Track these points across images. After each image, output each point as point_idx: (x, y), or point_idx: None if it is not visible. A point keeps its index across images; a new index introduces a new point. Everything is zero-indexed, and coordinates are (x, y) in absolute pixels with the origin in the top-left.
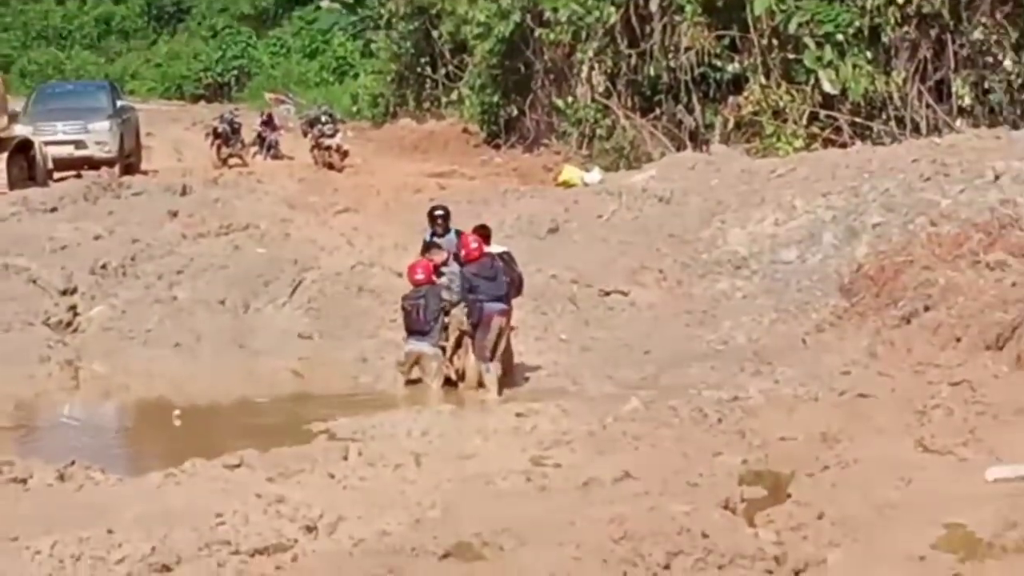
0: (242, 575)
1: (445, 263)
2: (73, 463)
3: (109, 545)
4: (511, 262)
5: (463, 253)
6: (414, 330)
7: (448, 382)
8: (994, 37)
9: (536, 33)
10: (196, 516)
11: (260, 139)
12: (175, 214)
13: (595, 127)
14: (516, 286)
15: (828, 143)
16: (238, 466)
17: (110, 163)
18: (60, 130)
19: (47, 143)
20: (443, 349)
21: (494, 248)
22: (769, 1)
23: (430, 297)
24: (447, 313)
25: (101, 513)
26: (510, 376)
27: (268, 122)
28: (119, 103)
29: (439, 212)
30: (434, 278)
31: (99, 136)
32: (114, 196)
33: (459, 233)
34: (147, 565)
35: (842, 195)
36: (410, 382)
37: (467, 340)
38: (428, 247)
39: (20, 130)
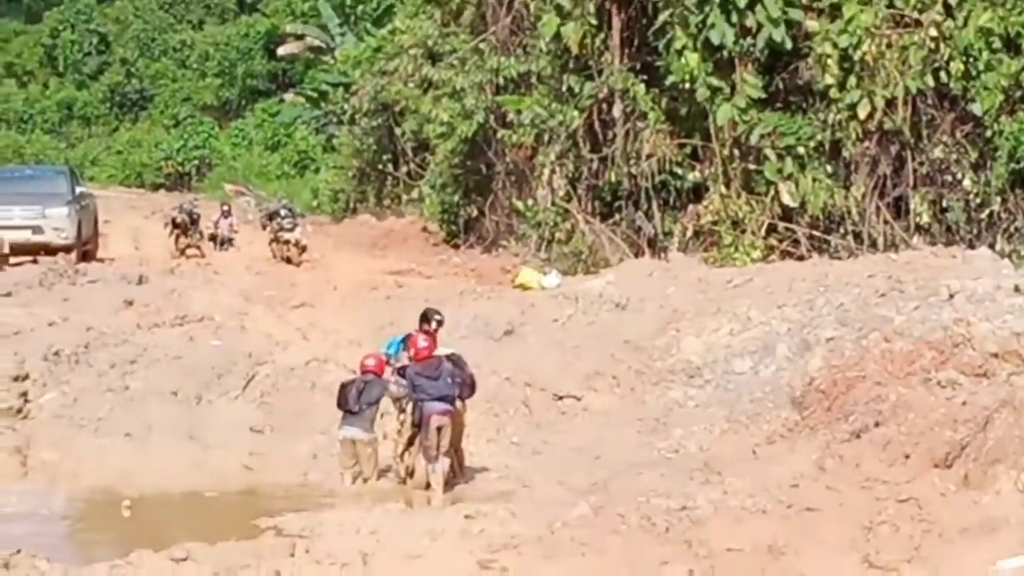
0: None
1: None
2: (19, 552)
3: None
4: (460, 363)
5: (412, 352)
6: (344, 408)
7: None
8: (954, 156)
9: (498, 134)
10: None
11: (212, 237)
12: (131, 303)
13: (554, 230)
14: (469, 386)
15: (786, 255)
16: (184, 559)
17: (67, 249)
18: (17, 214)
19: (3, 227)
20: (380, 438)
21: (442, 350)
22: (732, 111)
23: (373, 385)
24: (403, 411)
25: None
26: (460, 477)
27: (227, 214)
28: (78, 189)
29: (438, 318)
30: (385, 374)
31: (57, 222)
32: (70, 283)
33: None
34: None
35: (797, 307)
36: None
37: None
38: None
39: None
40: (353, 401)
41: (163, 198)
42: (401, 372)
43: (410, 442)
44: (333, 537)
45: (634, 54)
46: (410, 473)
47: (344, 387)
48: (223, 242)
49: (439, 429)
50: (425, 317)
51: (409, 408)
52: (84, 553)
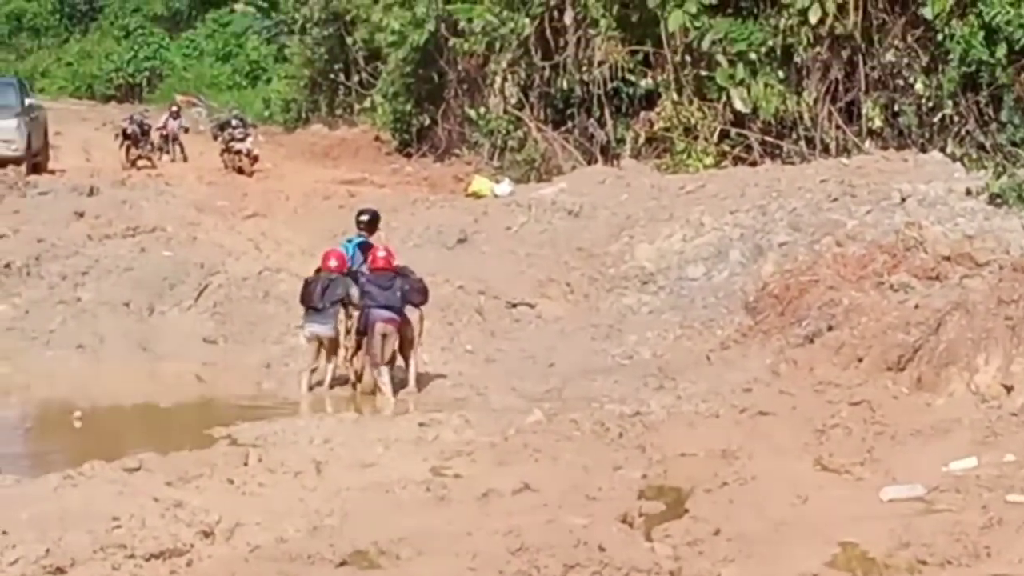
0: None
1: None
2: None
3: (3, 546)
4: (405, 271)
5: (369, 260)
6: (308, 305)
7: (348, 383)
8: (905, 60)
9: (450, 43)
10: (92, 519)
11: (164, 137)
12: (81, 215)
13: (507, 138)
14: (419, 291)
15: (738, 161)
16: (137, 469)
17: (17, 161)
18: None
19: None
20: (342, 342)
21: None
22: (683, 18)
23: (336, 283)
24: (349, 317)
25: None
26: (413, 387)
27: (176, 115)
28: (28, 101)
29: (363, 218)
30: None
31: (6, 134)
32: (20, 195)
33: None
34: (41, 567)
35: (750, 213)
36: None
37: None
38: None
39: None
40: (318, 298)
41: (114, 109)
42: (354, 277)
43: (357, 347)
44: (287, 446)
45: None
46: (359, 377)
47: (308, 284)
48: (174, 139)
49: (384, 336)
50: (356, 219)
51: (356, 315)
52: (36, 464)
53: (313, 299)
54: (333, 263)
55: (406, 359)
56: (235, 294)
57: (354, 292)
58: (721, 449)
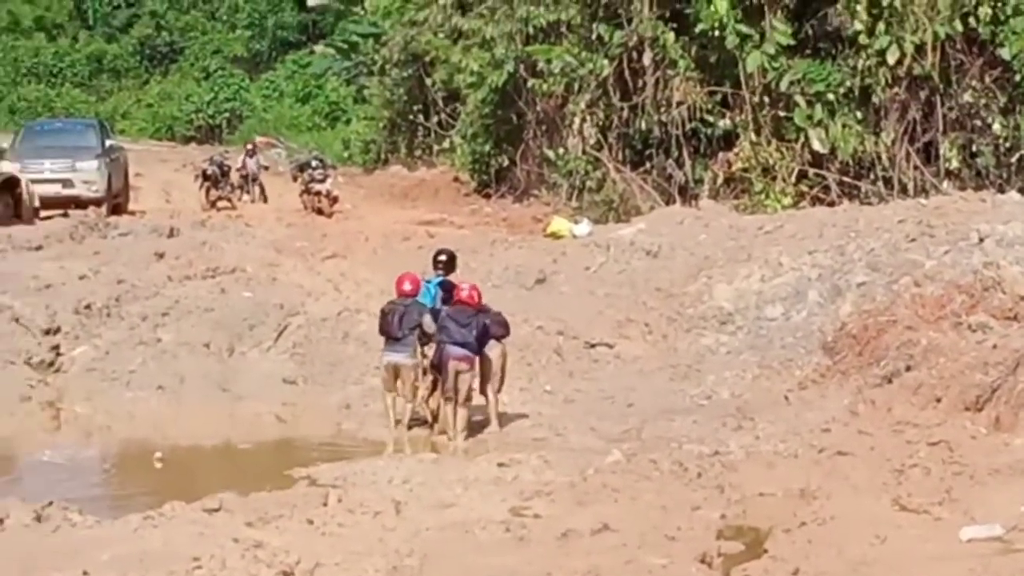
0: None
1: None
2: (51, 504)
3: None
4: (483, 308)
5: (455, 292)
6: (387, 335)
7: (425, 423)
8: (983, 101)
9: (529, 84)
10: (172, 559)
11: (244, 177)
12: (162, 255)
13: (585, 179)
14: (501, 324)
15: (816, 201)
16: (217, 510)
17: (97, 203)
18: (48, 168)
19: (34, 181)
20: (424, 372)
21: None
22: (762, 59)
23: (412, 309)
24: (424, 356)
25: (77, 555)
26: (493, 425)
27: (251, 153)
28: (108, 142)
29: (440, 258)
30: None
31: (87, 175)
32: (100, 236)
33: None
34: None
35: (828, 253)
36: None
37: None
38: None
39: (7, 167)
40: (396, 328)
41: (194, 151)
42: (435, 313)
43: (434, 386)
44: (366, 486)
45: (664, 1)
46: (435, 417)
47: (384, 313)
48: (254, 179)
49: (458, 374)
50: (433, 259)
51: (431, 351)
52: (117, 505)
53: (392, 330)
54: (408, 287)
55: (485, 396)
56: (315, 335)
57: (427, 320)
58: (800, 489)
